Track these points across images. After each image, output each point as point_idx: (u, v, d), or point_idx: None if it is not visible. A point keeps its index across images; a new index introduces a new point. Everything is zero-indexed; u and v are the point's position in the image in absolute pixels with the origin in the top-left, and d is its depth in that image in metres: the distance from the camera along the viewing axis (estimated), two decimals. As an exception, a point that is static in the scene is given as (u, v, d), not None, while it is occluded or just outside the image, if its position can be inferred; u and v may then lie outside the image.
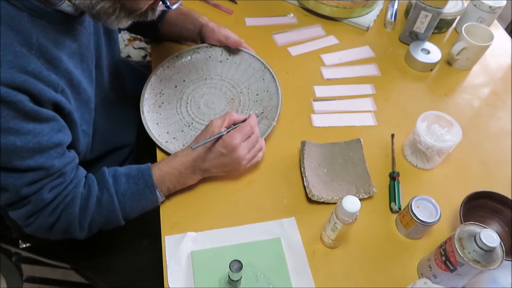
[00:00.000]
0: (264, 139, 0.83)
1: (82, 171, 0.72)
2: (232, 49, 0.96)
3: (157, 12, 0.68)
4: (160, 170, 0.74)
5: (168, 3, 0.63)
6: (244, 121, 0.77)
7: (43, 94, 0.59)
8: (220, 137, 0.74)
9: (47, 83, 0.60)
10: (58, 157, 0.65)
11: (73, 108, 0.68)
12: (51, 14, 0.61)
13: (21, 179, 0.62)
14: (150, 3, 0.63)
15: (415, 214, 0.72)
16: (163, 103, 0.91)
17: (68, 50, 0.66)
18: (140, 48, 1.41)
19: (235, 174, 0.81)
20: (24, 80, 0.56)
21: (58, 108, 0.64)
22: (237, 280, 0.66)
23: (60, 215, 0.68)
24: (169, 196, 0.78)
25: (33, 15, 0.59)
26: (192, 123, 0.89)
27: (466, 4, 1.14)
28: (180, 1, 0.68)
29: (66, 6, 0.62)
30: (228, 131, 0.74)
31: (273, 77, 0.92)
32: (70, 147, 0.69)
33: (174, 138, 0.86)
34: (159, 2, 0.65)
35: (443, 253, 0.65)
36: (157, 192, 0.73)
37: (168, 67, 0.94)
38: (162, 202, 0.77)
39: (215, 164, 0.76)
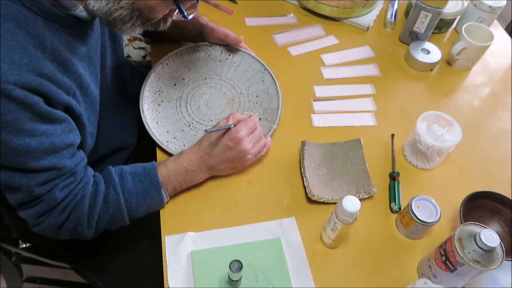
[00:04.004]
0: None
1: (91, 171, 0.73)
2: (231, 49, 0.96)
3: (169, 23, 0.69)
4: (166, 168, 0.75)
5: (185, 13, 0.64)
6: None
7: (57, 97, 0.60)
8: (227, 130, 0.76)
9: (60, 86, 0.61)
10: (69, 157, 0.66)
11: (82, 110, 0.69)
12: (64, 18, 0.62)
13: (34, 179, 0.62)
14: (165, 13, 0.64)
15: (415, 214, 0.72)
16: (162, 101, 0.91)
17: (79, 53, 0.67)
18: (140, 48, 1.41)
19: (239, 170, 0.82)
20: (39, 82, 0.57)
21: (69, 110, 0.65)
22: (237, 280, 0.66)
23: (70, 213, 0.68)
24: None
25: (47, 18, 0.59)
26: (192, 123, 0.88)
27: (466, 4, 1.14)
28: (195, 12, 0.69)
29: (80, 11, 0.62)
30: (235, 125, 0.77)
31: (273, 79, 0.92)
32: (78, 147, 0.70)
33: (175, 137, 0.86)
34: (173, 13, 0.66)
35: (443, 253, 0.65)
36: (162, 191, 0.74)
37: (167, 64, 0.94)
38: (167, 202, 0.77)
39: (222, 160, 0.77)
